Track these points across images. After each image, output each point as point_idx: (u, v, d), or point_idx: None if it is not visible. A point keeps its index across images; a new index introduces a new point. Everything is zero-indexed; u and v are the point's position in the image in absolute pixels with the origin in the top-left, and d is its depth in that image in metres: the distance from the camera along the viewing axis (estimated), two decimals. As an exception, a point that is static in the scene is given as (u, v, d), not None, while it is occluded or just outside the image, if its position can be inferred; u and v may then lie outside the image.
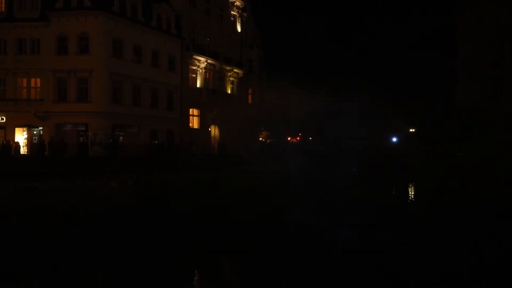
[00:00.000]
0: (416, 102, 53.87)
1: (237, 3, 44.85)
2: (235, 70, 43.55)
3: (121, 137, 30.74)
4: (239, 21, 45.66)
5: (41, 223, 15.06)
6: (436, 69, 56.55)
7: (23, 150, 28.82)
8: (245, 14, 46.06)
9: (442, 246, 13.61)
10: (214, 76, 40.65)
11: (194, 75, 38.24)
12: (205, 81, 39.14)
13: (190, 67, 37.57)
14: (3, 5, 29.73)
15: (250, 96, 47.23)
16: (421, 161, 36.27)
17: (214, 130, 40.39)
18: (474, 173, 24.65)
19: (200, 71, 38.62)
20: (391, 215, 19.16)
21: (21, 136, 29.98)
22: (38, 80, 29.66)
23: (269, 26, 74.42)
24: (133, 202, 19.07)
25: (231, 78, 43.78)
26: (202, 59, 38.22)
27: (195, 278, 11.47)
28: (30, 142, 30.00)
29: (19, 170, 19.87)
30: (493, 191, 20.92)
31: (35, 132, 30.22)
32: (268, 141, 52.56)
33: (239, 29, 45.52)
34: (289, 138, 56.18)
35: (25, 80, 29.94)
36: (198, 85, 38.44)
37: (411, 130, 58.29)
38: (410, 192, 28.64)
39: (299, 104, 61.99)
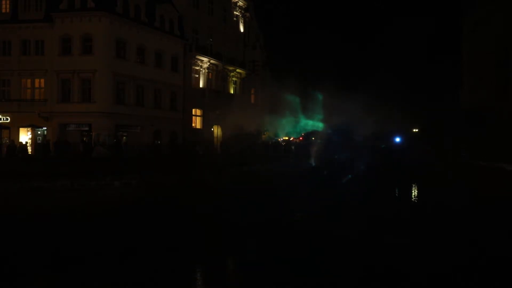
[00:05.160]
0: (420, 101, 53.69)
1: (240, 3, 44.94)
2: (238, 70, 43.63)
3: (124, 137, 30.87)
4: (242, 21, 45.75)
5: (46, 222, 15.17)
6: (440, 69, 56.40)
7: (29, 150, 28.97)
8: (247, 15, 46.13)
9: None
10: (217, 77, 40.75)
11: (197, 76, 38.34)
12: (208, 81, 39.24)
13: (193, 67, 37.68)
14: (7, 6, 29.95)
15: (253, 96, 47.29)
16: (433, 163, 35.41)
17: (216, 130, 40.49)
18: (481, 174, 24.51)
19: (203, 71, 38.72)
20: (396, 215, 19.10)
21: (25, 136, 30.17)
22: (42, 80, 29.86)
23: (273, 26, 74.42)
24: (137, 202, 19.17)
25: (233, 79, 43.86)
26: (205, 59, 38.32)
27: (191, 277, 11.50)
28: (34, 142, 30.17)
29: (24, 170, 19.97)
30: (499, 192, 20.82)
31: (39, 132, 30.41)
32: (271, 141, 52.55)
33: (242, 30, 45.59)
34: (291, 138, 56.26)
35: (29, 81, 30.14)
36: (201, 86, 38.54)
37: (414, 130, 58.07)
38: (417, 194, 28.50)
39: (302, 103, 61.91)
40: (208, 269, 12.14)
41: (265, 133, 51.18)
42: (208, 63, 38.89)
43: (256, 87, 47.25)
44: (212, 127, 39.88)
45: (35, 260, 11.99)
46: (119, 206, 18.38)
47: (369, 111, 46.93)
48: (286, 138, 50.64)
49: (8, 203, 16.54)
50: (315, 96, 52.32)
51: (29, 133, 30.40)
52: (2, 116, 29.49)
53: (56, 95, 29.33)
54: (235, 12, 44.54)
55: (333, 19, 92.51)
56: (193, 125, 38.24)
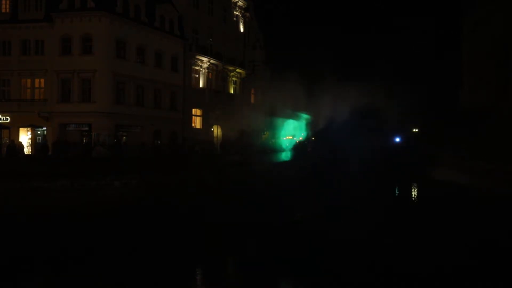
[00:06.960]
0: (420, 101, 53.59)
1: (240, 3, 44.92)
2: (237, 70, 43.62)
3: (124, 137, 30.88)
4: (242, 21, 45.74)
5: (46, 222, 15.17)
6: (440, 69, 56.32)
7: (27, 150, 28.97)
8: (247, 14, 46.11)
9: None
10: (217, 77, 40.74)
11: (197, 75, 38.34)
12: (208, 81, 39.22)
13: (193, 67, 37.66)
14: (7, 6, 29.92)
15: (253, 96, 47.28)
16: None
17: (216, 130, 40.50)
18: (481, 174, 24.47)
19: (203, 71, 38.71)
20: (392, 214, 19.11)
21: (25, 136, 30.18)
22: (42, 80, 29.85)
23: (273, 26, 74.25)
24: (137, 202, 19.18)
25: (233, 79, 43.86)
26: (205, 59, 38.31)
27: (191, 277, 11.51)
28: (34, 142, 30.18)
29: (24, 170, 19.96)
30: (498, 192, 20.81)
31: (39, 132, 30.41)
32: (271, 141, 52.62)
33: (242, 30, 45.59)
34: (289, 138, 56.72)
35: (29, 81, 30.13)
36: (201, 85, 38.53)
37: (414, 130, 58.09)
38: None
39: (302, 104, 61.90)
40: (208, 268, 12.15)
41: (265, 133, 51.21)
42: (208, 63, 38.88)
43: (256, 87, 47.23)
44: (212, 127, 39.89)
45: (35, 260, 12.00)
46: (119, 206, 18.40)
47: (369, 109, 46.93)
48: (291, 137, 51.10)
49: (8, 203, 16.54)
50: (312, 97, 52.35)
51: (29, 133, 30.39)
52: (2, 116, 29.49)
53: (56, 95, 29.32)
54: (235, 12, 44.51)
55: (333, 19, 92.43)
56: (193, 125, 38.22)
